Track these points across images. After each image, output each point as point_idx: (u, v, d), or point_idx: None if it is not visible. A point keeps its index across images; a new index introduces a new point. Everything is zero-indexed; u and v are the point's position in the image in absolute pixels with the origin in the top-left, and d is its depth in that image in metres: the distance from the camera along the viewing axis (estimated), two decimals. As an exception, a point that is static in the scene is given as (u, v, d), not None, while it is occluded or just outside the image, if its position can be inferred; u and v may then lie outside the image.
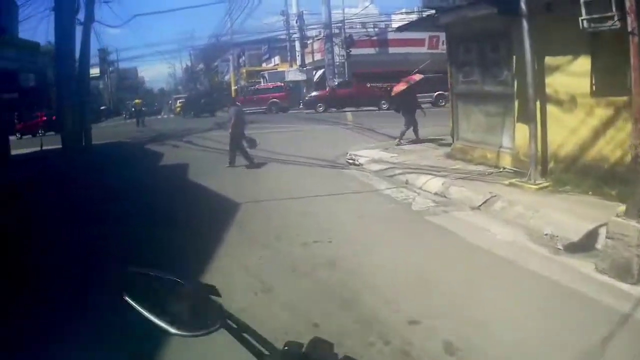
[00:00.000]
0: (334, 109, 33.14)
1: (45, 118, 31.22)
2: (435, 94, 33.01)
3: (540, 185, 7.77)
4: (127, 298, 1.19)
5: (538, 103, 8.07)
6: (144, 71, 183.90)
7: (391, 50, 39.56)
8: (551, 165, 8.35)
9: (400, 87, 14.70)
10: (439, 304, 4.27)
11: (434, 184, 8.79)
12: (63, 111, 18.73)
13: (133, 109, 35.50)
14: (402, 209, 7.64)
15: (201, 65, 79.65)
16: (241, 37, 51.00)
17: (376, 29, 41.66)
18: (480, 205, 7.38)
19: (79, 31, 19.76)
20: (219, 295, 1.19)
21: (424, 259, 5.36)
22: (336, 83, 37.00)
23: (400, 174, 9.98)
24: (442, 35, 38.50)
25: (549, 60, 8.16)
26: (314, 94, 36.71)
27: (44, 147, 19.48)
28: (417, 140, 14.17)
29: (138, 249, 6.10)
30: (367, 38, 39.72)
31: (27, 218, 8.75)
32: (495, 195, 7.46)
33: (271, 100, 37.28)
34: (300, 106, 38.53)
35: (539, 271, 4.91)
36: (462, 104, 10.79)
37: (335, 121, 23.97)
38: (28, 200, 10.28)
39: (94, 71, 67.78)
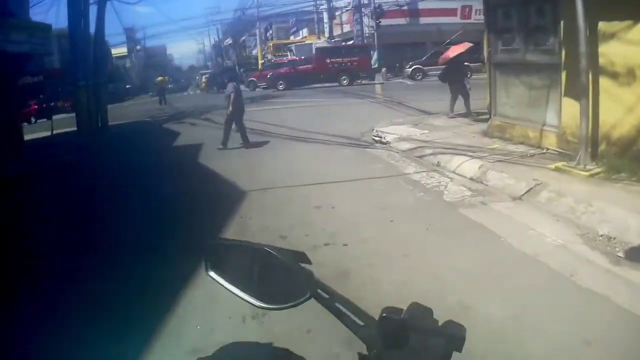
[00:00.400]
0: (296, 87, 32.03)
1: (36, 107, 30.29)
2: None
3: (592, 172, 6.73)
4: (210, 273, 1.19)
5: (590, 75, 6.99)
6: (173, 48, 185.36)
7: (422, 20, 38.26)
8: (602, 148, 7.26)
9: (451, 52, 13.53)
10: (476, 338, 3.39)
11: (470, 167, 7.83)
12: (77, 93, 18.18)
13: (156, 87, 34.67)
14: (432, 199, 6.66)
15: (229, 40, 79.11)
16: (268, 10, 49.82)
17: (407, -1, 40.04)
18: (522, 195, 6.42)
19: (94, 11, 19.27)
20: (309, 262, 1.10)
21: (457, 273, 4.36)
22: (296, 60, 36.07)
23: (431, 154, 9.03)
24: (475, 4, 37.89)
25: (603, 26, 7.01)
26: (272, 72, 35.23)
27: (60, 130, 19.25)
28: (468, 114, 12.99)
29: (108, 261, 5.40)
30: (398, 8, 38.12)
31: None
32: (540, 183, 6.48)
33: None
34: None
35: (599, 291, 3.91)
36: (501, 75, 9.65)
37: (363, 94, 22.87)
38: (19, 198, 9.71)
39: (121, 50, 68.02)
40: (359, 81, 32.75)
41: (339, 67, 33.15)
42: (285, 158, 10.34)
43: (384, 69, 34.18)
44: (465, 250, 4.88)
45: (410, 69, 32.98)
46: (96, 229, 6.69)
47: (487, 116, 10.46)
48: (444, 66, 13.99)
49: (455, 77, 13.29)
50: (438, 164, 8.47)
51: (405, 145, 10.06)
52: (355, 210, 6.33)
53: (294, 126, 14.16)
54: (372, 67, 34.38)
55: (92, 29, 18.94)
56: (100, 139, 17.34)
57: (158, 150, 13.52)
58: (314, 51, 39.01)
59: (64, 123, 20.30)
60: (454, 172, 7.95)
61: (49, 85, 34.51)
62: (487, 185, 7.09)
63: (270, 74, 34.75)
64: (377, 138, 11.45)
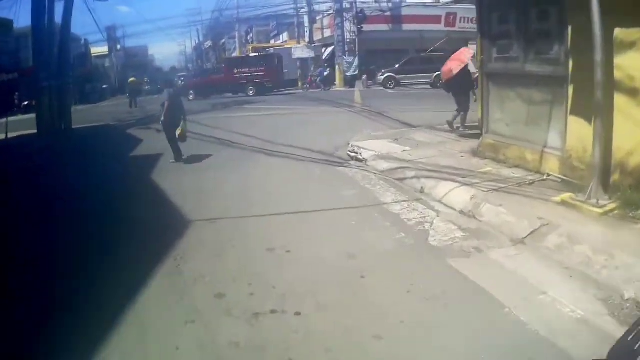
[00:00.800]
0: (202, 97, 31.32)
1: None
2: (435, 74, 31.02)
3: (605, 208, 5.53)
4: None
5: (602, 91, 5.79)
6: (155, 49, 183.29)
7: (405, 27, 37.28)
8: (615, 178, 6.04)
9: (453, 66, 11.75)
10: None
11: (459, 196, 6.57)
12: (39, 93, 17.12)
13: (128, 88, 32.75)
14: (415, 242, 5.33)
15: (209, 43, 78.01)
16: (248, 11, 48.38)
17: (389, 4, 39.11)
18: (525, 238, 5.19)
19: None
20: None
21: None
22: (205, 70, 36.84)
23: (413, 177, 7.76)
24: (460, 12, 37.08)
25: (620, 33, 5.82)
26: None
27: (23, 132, 18.04)
28: (454, 128, 11.73)
29: None
30: (380, 13, 37.12)
31: None
32: (546, 224, 5.26)
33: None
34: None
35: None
36: (496, 88, 8.37)
37: (340, 102, 21.58)
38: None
39: (101, 50, 66.19)
40: (275, 91, 32.98)
41: (246, 78, 32.84)
42: (245, 176, 9.02)
43: (364, 76, 33.19)
44: (457, 329, 3.57)
45: (383, 77, 31.95)
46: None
47: (478, 131, 9.26)
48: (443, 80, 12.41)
49: (460, 87, 11.65)
50: (422, 191, 7.21)
51: (384, 165, 8.78)
52: (317, 258, 4.97)
53: (263, 137, 12.89)
54: (285, 77, 34.69)
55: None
56: (55, 144, 15.94)
57: (111, 160, 12.10)
58: (293, 56, 37.96)
59: (28, 124, 18.78)
60: (440, 201, 6.70)
61: (24, 83, 33.04)
62: (480, 221, 5.83)
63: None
64: (352, 154, 10.20)
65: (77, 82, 35.57)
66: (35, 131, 17.32)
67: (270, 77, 33.11)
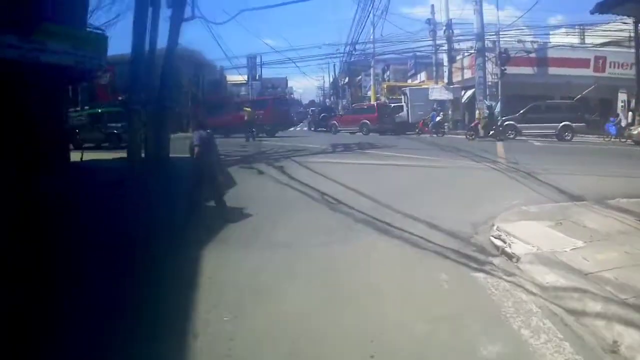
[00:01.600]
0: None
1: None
2: (561, 124, 27.07)
3: None
4: None
5: None
6: (296, 82, 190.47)
7: (551, 71, 33.79)
8: None
9: None
10: None
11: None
12: (131, 117, 16.40)
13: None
14: None
15: (346, 79, 78.50)
16: (382, 46, 46.68)
17: (534, 44, 35.55)
18: None
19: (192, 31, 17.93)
20: None
21: None
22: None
23: (598, 315, 4.85)
24: (610, 56, 32.63)
25: None
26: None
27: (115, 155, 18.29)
28: None
29: None
30: (525, 55, 33.72)
31: None
32: None
33: (362, 121, 35.08)
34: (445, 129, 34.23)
35: None
36: None
37: (479, 155, 18.55)
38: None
39: (240, 78, 68.12)
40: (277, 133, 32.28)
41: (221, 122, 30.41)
42: (324, 269, 6.43)
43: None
44: None
45: (502, 126, 28.43)
46: None
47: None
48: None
49: None
50: (615, 348, 4.34)
51: (548, 277, 5.88)
52: None
53: (376, 196, 10.50)
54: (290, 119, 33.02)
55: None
56: (141, 173, 15.15)
57: (183, 208, 9.47)
58: (430, 97, 35.67)
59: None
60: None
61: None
62: None
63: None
64: (498, 241, 7.47)
65: (210, 109, 35.28)
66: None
67: (271, 118, 32.27)
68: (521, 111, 28.32)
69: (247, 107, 30.87)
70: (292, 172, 14.29)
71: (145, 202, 11.13)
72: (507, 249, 7.09)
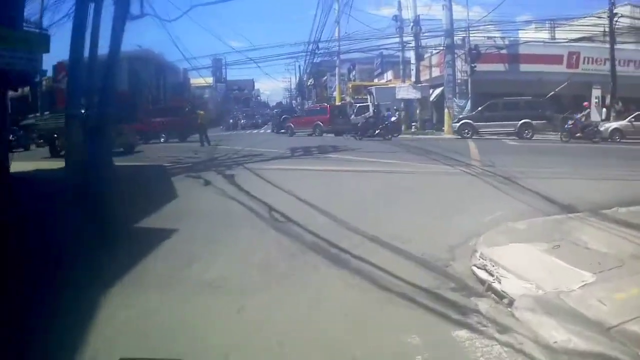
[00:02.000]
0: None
1: None
2: (520, 122, 26.38)
3: None
4: None
5: None
6: (263, 84, 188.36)
7: (522, 67, 32.76)
8: None
9: None
10: None
11: None
12: (68, 123, 14.80)
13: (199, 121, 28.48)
14: None
15: (311, 80, 77.60)
16: (348, 44, 45.15)
17: (505, 40, 34.54)
18: None
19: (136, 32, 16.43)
20: None
21: None
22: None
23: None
24: (584, 51, 31.72)
25: None
26: None
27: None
28: None
29: None
30: (496, 51, 32.57)
31: None
32: None
33: (316, 123, 34.63)
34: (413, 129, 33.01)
35: None
36: None
37: (451, 157, 16.99)
38: None
39: (204, 80, 66.00)
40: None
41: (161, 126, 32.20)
42: (247, 329, 4.55)
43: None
44: None
45: (458, 124, 27.18)
46: None
47: None
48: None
49: None
50: None
51: (556, 334, 4.12)
52: None
53: (334, 210, 8.79)
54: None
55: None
56: (67, 185, 13.35)
57: (110, 229, 7.79)
58: (397, 96, 34.35)
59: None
60: None
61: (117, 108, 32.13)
62: None
63: None
64: (482, 272, 5.80)
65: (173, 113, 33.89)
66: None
67: (176, 126, 32.17)
68: (479, 109, 27.19)
69: (200, 110, 30.63)
70: (242, 182, 12.48)
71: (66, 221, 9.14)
72: (496, 285, 5.42)
